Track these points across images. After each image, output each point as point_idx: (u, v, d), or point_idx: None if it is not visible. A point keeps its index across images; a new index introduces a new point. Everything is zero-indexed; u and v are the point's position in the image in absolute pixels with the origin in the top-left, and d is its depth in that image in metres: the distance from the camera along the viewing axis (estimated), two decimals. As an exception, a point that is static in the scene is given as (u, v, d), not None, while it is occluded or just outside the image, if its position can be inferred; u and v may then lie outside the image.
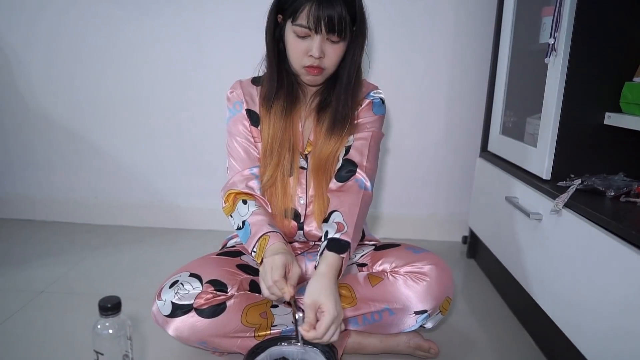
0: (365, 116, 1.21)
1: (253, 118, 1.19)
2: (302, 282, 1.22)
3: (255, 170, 1.17)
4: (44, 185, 2.13)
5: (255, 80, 1.23)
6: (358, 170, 1.15)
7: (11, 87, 2.02)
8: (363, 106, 1.21)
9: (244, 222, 1.10)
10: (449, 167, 2.01)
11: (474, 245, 1.88)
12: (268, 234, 1.05)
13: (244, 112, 1.19)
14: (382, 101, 1.23)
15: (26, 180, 2.13)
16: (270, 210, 1.17)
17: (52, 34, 1.94)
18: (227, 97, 1.22)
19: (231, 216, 1.14)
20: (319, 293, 0.95)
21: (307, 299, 0.95)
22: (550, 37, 1.21)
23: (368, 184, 1.16)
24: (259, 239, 1.05)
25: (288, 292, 0.96)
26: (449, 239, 2.07)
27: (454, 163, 2.00)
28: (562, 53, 1.18)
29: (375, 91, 1.23)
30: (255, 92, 1.21)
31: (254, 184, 1.16)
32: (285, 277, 0.99)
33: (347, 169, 1.16)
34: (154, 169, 2.08)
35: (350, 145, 1.18)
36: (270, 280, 0.96)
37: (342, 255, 1.02)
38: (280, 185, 1.18)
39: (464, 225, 2.00)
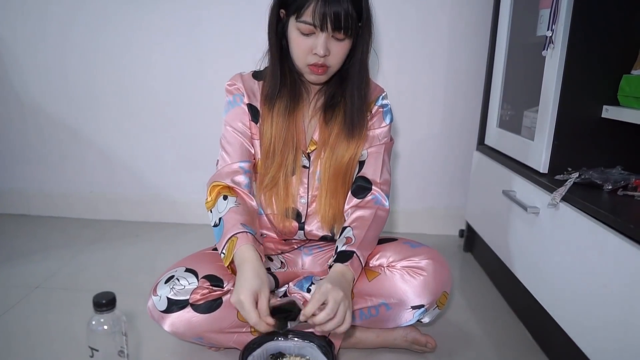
0: (377, 126, 1.19)
1: (254, 113, 1.16)
2: (295, 277, 1.22)
3: (245, 165, 1.14)
4: (39, 180, 2.11)
5: (256, 75, 1.20)
6: (374, 187, 1.16)
7: (5, 82, 2.00)
8: (373, 113, 1.19)
9: (220, 219, 1.06)
10: (446, 161, 2.00)
11: (471, 239, 1.88)
12: (237, 235, 1.01)
13: (245, 106, 1.16)
14: (390, 107, 1.22)
15: (21, 175, 2.12)
16: (254, 205, 1.14)
17: (46, 28, 1.92)
18: (227, 89, 1.18)
19: (211, 212, 1.10)
20: (317, 287, 0.95)
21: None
22: (547, 30, 1.20)
23: (385, 201, 1.16)
24: (228, 240, 1.01)
25: (265, 327, 0.91)
26: (446, 233, 2.07)
27: (451, 156, 1.99)
28: (560, 46, 1.17)
29: (383, 96, 1.21)
30: (256, 87, 1.18)
31: (241, 178, 1.13)
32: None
33: (363, 187, 1.16)
34: (149, 163, 2.07)
35: (364, 161, 1.17)
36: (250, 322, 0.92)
37: (345, 264, 1.02)
38: (283, 185, 1.16)
39: (460, 218, 2.00)
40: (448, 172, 2.01)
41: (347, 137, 1.15)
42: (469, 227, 1.86)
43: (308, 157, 1.18)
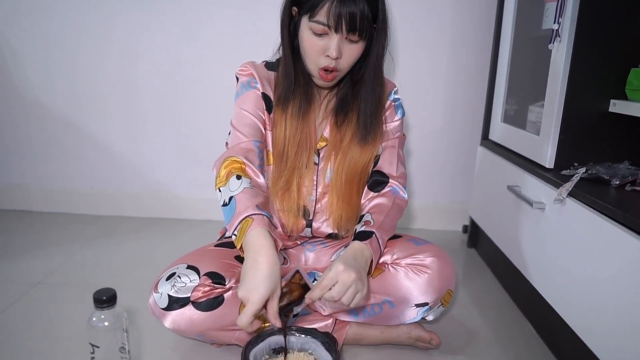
0: (391, 121, 1.19)
1: (267, 104, 1.13)
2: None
3: (259, 145, 1.10)
4: (40, 175, 2.11)
5: (268, 66, 1.16)
6: (391, 180, 1.16)
7: (7, 78, 1.99)
8: (386, 108, 1.18)
9: (230, 198, 0.98)
10: (450, 156, 1.99)
11: (474, 235, 1.87)
12: (252, 216, 0.93)
13: (259, 92, 1.12)
14: (401, 101, 1.21)
15: (22, 170, 2.11)
16: (263, 183, 1.06)
17: (48, 25, 1.91)
18: (239, 73, 1.14)
19: (220, 190, 1.01)
20: (329, 268, 0.93)
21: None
22: (554, 23, 1.19)
23: (402, 192, 1.16)
24: (241, 221, 0.94)
25: (251, 329, 0.88)
26: (450, 228, 2.06)
27: (455, 152, 1.98)
28: (567, 39, 1.16)
29: (395, 90, 1.20)
30: (270, 77, 1.14)
31: (255, 158, 1.07)
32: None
33: (379, 181, 1.16)
34: (151, 158, 2.06)
35: (379, 155, 1.17)
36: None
37: (364, 242, 1.01)
38: (296, 187, 1.15)
39: (464, 214, 1.99)
40: (452, 167, 2.00)
41: (360, 142, 1.13)
42: (472, 222, 1.85)
43: (317, 153, 1.17)
